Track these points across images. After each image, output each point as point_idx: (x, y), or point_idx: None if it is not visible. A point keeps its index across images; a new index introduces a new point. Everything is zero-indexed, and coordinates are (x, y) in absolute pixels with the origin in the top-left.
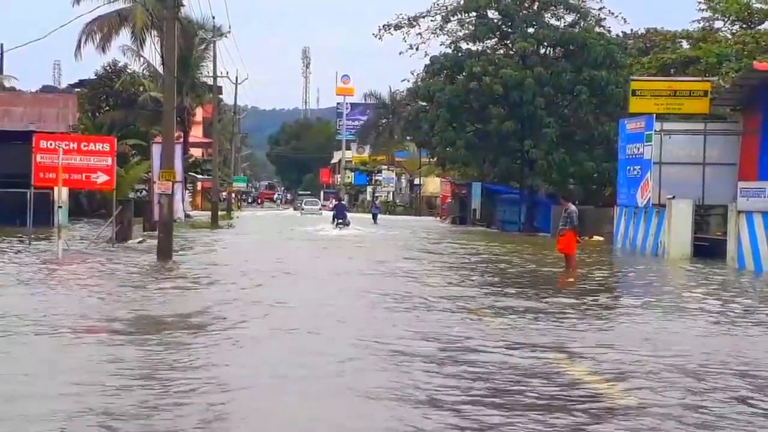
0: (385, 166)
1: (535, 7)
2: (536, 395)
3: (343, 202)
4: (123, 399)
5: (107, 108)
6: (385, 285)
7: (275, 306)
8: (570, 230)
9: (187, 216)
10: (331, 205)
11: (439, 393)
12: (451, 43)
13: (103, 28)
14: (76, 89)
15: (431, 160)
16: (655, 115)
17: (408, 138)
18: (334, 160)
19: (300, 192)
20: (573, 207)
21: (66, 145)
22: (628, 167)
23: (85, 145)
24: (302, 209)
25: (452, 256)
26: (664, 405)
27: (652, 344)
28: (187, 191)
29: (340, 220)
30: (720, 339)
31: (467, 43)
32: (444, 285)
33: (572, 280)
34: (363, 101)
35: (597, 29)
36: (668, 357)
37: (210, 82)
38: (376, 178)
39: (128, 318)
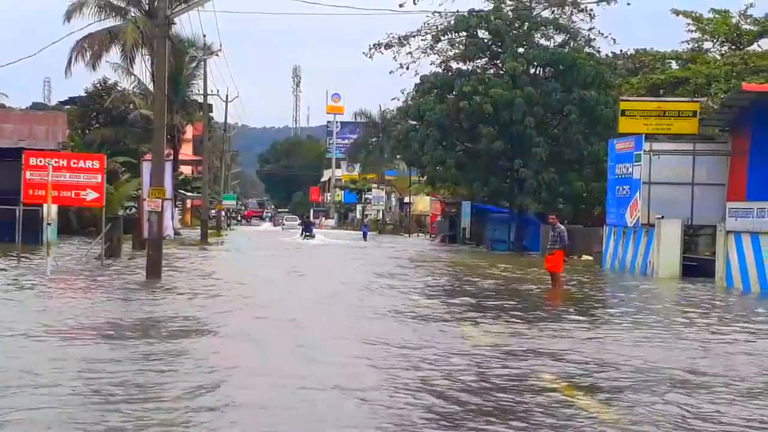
0: (375, 185)
1: (525, 28)
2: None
3: (310, 220)
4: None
5: (97, 125)
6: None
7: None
8: (559, 249)
9: (176, 233)
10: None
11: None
12: (441, 62)
13: (93, 46)
14: (66, 106)
15: (421, 178)
16: (644, 135)
17: (398, 157)
18: (324, 179)
19: (279, 210)
20: (562, 226)
21: (55, 162)
22: (617, 187)
23: (74, 163)
24: (283, 225)
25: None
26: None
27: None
28: (176, 209)
29: (307, 233)
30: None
31: (457, 63)
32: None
33: (557, 298)
34: (353, 120)
35: (587, 50)
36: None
37: (200, 100)
38: (366, 196)
39: (116, 327)
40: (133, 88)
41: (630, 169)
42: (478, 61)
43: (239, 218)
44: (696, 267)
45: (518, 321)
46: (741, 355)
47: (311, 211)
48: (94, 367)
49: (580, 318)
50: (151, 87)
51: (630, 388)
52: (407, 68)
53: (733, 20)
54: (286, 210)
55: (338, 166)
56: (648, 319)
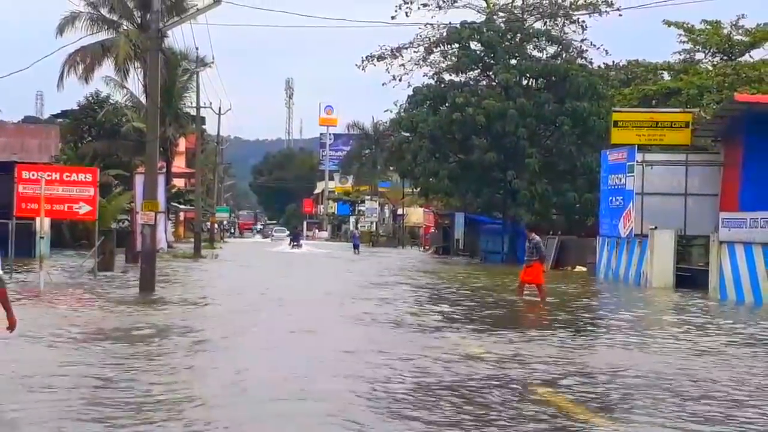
0: (368, 197)
1: (518, 39)
2: None
3: (298, 231)
4: None
5: (90, 138)
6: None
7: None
8: (537, 261)
9: (169, 246)
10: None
11: None
12: (434, 74)
13: (85, 59)
14: (59, 120)
15: (414, 190)
16: (636, 146)
17: (391, 168)
18: (317, 191)
19: (269, 222)
20: (537, 237)
21: (48, 175)
22: (611, 198)
23: (67, 176)
24: (273, 236)
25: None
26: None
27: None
28: (169, 222)
29: (296, 243)
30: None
31: (450, 74)
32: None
33: (540, 308)
34: (346, 132)
35: (579, 61)
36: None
37: (193, 112)
38: (359, 208)
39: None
40: (126, 101)
41: (623, 180)
42: (471, 72)
43: (232, 230)
44: (690, 277)
45: (500, 330)
46: (722, 363)
47: (304, 224)
48: (87, 373)
49: (567, 327)
50: (143, 100)
51: (612, 394)
52: (400, 80)
53: (725, 31)
54: (275, 222)
55: (331, 178)
56: (636, 328)
